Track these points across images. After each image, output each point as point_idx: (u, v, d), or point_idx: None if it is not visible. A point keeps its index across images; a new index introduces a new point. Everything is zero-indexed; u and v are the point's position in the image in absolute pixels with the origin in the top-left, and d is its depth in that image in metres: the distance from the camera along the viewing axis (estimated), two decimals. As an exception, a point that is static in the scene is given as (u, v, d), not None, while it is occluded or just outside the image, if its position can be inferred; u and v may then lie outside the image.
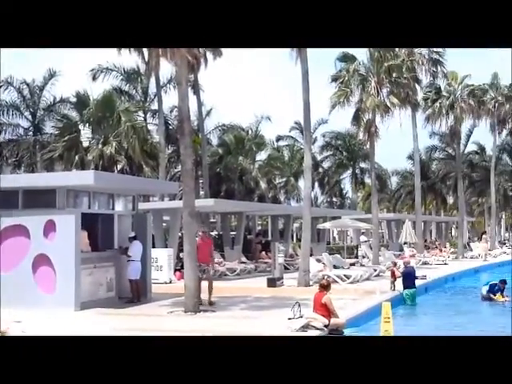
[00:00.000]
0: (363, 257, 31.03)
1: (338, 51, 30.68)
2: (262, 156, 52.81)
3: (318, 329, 12.08)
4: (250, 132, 50.16)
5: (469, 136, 57.55)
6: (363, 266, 27.90)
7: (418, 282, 21.99)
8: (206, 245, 16.71)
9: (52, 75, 39.82)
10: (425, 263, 32.90)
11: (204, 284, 16.00)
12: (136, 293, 16.84)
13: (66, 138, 36.82)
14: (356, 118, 31.04)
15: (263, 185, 48.96)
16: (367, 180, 57.29)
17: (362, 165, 56.79)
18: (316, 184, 57.59)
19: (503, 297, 19.60)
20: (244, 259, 28.46)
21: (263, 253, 29.62)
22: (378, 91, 29.58)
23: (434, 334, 7.21)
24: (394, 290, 19.64)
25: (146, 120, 42.54)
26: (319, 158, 57.15)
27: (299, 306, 13.06)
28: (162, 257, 22.62)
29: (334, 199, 60.96)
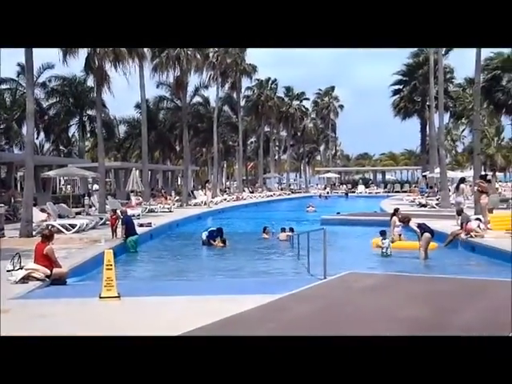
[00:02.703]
0: (90, 206, 30.79)
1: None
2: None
3: (39, 279, 11.88)
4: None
5: (196, 88, 59.58)
6: (89, 214, 27.72)
7: (143, 229, 22.65)
8: None
9: None
10: (151, 211, 33.65)
11: None
12: None
13: None
14: (88, 65, 30.40)
15: (-18, 131, 45.67)
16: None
17: (90, 112, 55.72)
18: (41, 131, 55.29)
19: (221, 242, 20.95)
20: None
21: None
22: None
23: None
24: (115, 237, 19.88)
25: None
26: (45, 104, 54.80)
27: (19, 257, 12.68)
28: None
29: (61, 147, 59.14)
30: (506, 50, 41.33)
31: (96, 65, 29.61)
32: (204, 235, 21.30)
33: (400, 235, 19.88)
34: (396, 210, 20.82)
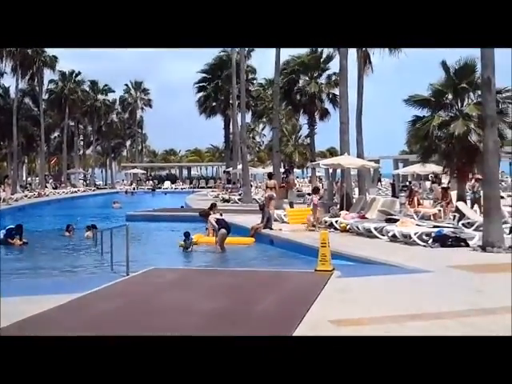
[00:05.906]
0: None
1: None
2: None
3: None
4: None
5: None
6: None
7: None
8: None
9: None
10: None
11: None
12: None
13: None
14: None
15: None
16: None
17: None
18: None
19: (21, 240, 20.12)
20: None
21: None
22: None
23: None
24: None
25: None
26: None
27: None
28: None
29: None
30: (303, 53, 43.54)
31: None
32: (1, 234, 20.32)
33: (214, 230, 19.97)
34: (213, 205, 21.29)
